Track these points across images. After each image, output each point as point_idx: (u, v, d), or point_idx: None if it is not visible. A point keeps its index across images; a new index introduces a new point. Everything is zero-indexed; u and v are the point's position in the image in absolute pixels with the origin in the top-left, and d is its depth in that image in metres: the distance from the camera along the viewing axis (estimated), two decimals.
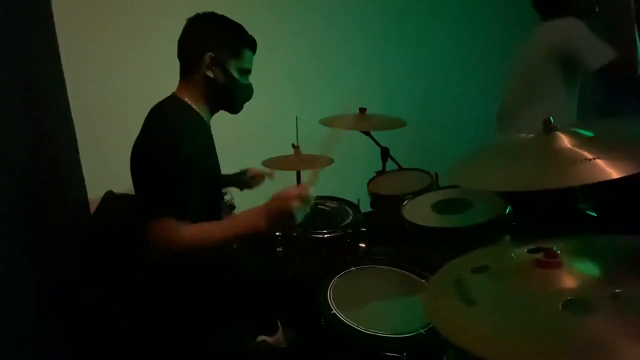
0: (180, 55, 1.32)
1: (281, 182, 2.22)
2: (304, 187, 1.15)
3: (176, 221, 1.11)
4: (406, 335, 1.07)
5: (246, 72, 1.36)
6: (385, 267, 1.42)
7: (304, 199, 1.14)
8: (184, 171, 1.15)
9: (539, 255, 0.71)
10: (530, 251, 0.78)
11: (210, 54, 1.26)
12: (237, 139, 2.39)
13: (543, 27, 1.89)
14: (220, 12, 1.33)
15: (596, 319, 0.60)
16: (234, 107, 1.39)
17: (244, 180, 1.78)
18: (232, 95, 1.35)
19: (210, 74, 1.27)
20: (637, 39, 1.70)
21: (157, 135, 1.21)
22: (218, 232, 1.16)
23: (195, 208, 1.17)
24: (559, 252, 0.71)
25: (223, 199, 1.51)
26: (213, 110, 1.37)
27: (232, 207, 2.04)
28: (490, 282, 0.77)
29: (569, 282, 0.68)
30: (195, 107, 1.30)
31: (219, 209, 1.43)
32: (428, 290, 0.83)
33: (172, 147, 1.15)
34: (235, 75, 1.31)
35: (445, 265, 0.86)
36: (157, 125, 1.23)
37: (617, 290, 0.62)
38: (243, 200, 2.09)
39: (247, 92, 1.39)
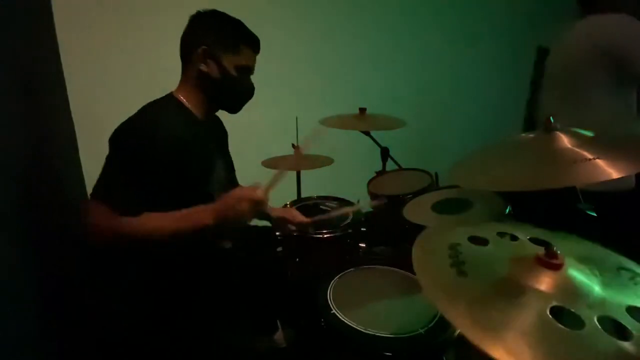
0: (180, 53, 1.32)
1: (281, 182, 2.22)
2: (255, 190, 1.15)
3: (108, 208, 1.11)
4: (406, 335, 1.07)
5: (245, 69, 1.32)
6: (385, 267, 1.42)
7: (254, 202, 1.13)
8: (135, 164, 1.14)
9: (540, 252, 0.70)
10: (531, 240, 0.77)
11: (203, 47, 1.25)
12: (237, 139, 2.38)
13: (587, 23, 1.66)
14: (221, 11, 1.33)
15: (581, 333, 0.59)
16: (232, 105, 1.37)
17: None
18: (227, 92, 1.32)
19: (204, 67, 1.26)
20: None
21: (125, 125, 1.20)
22: (156, 224, 1.14)
23: (139, 204, 1.14)
24: (559, 252, 0.70)
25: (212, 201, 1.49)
26: (210, 109, 1.36)
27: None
28: (485, 259, 0.76)
29: (563, 288, 0.66)
30: (188, 106, 1.29)
31: None
32: (421, 240, 0.81)
33: (132, 138, 1.16)
34: (232, 71, 1.29)
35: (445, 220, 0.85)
36: (132, 118, 1.22)
37: (609, 315, 0.61)
38: None
39: (245, 91, 1.35)
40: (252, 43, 1.32)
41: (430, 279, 0.71)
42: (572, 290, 0.66)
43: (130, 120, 1.20)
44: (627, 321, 0.61)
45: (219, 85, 1.29)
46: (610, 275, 0.72)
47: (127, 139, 1.17)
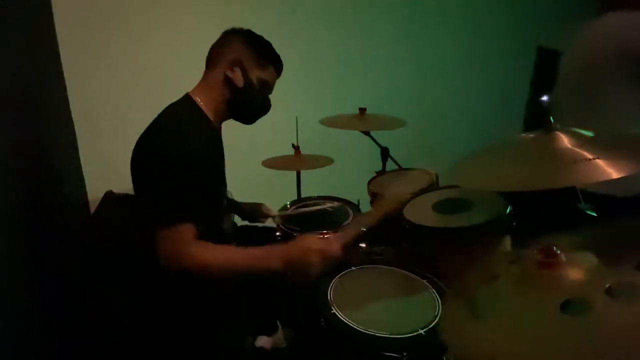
0: (207, 58, 1.35)
1: (281, 182, 2.24)
2: (333, 245, 1.17)
3: (191, 232, 1.12)
4: (406, 335, 1.07)
5: (267, 85, 1.37)
6: (385, 267, 1.42)
7: (327, 257, 1.16)
8: (188, 180, 1.16)
9: (540, 257, 0.71)
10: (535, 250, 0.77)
11: (234, 55, 1.30)
12: (237, 139, 2.38)
13: (604, 21, 1.59)
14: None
15: (594, 317, 0.59)
16: (248, 116, 1.41)
17: (252, 214, 1.79)
18: (247, 102, 1.36)
19: (230, 73, 1.29)
20: None
21: (158, 140, 1.21)
22: (233, 259, 1.18)
23: (202, 213, 1.18)
24: (558, 251, 0.70)
25: (224, 204, 1.50)
26: (224, 116, 1.38)
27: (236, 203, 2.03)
28: (498, 291, 0.76)
29: (569, 277, 0.67)
30: (205, 110, 1.30)
31: (219, 209, 1.43)
32: (446, 308, 0.84)
33: (181, 155, 1.16)
34: (255, 83, 1.33)
35: (461, 279, 0.86)
36: (160, 129, 1.23)
37: (611, 285, 0.62)
38: (244, 201, 2.09)
39: (263, 105, 1.41)
40: (278, 65, 1.38)
41: (456, 333, 0.74)
42: (578, 279, 0.67)
43: (172, 137, 1.20)
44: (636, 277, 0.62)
45: (240, 94, 1.32)
46: (615, 245, 0.73)
47: (180, 156, 1.16)
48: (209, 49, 1.36)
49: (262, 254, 1.20)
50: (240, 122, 1.42)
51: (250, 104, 1.38)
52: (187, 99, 1.31)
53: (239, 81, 1.31)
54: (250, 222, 1.82)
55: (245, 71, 1.31)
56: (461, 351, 0.67)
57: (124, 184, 1.28)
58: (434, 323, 1.09)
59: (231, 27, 1.36)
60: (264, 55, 1.35)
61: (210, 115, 1.32)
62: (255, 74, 1.33)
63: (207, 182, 1.24)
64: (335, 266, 1.40)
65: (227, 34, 1.35)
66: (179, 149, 1.16)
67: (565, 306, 0.62)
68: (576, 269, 0.68)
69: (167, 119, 1.26)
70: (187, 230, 1.12)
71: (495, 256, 0.91)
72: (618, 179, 1.16)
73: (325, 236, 1.23)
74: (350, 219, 1.78)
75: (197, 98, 1.31)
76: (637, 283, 0.61)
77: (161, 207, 1.16)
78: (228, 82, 1.30)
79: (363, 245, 1.72)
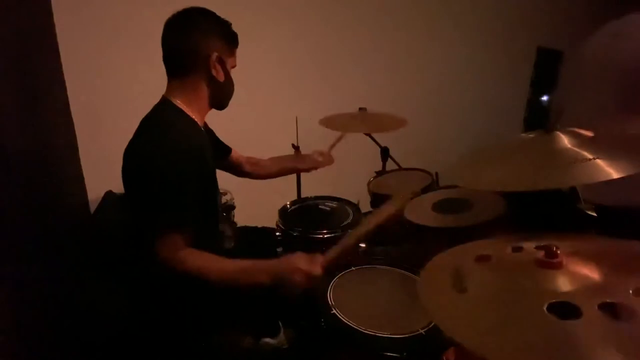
0: (175, 56, 1.26)
1: (281, 182, 2.24)
2: (315, 265, 1.16)
3: (181, 238, 1.13)
4: (406, 335, 1.07)
5: (234, 67, 1.36)
6: (385, 267, 1.42)
7: (310, 276, 1.15)
8: (182, 184, 1.14)
9: (540, 255, 0.70)
10: (538, 247, 0.77)
11: (216, 53, 1.24)
12: (237, 139, 2.38)
13: (629, 24, 1.52)
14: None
15: (579, 325, 0.59)
16: (225, 104, 1.39)
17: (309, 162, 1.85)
18: (227, 93, 1.35)
19: (214, 72, 1.26)
20: None
21: (152, 145, 1.18)
22: (224, 269, 1.17)
23: (195, 217, 1.17)
24: (559, 252, 0.69)
25: (219, 203, 1.50)
26: (205, 112, 1.36)
27: (232, 207, 2.04)
28: (487, 273, 0.76)
29: (565, 284, 0.66)
30: (187, 111, 1.27)
31: (215, 212, 1.43)
32: (426, 273, 0.82)
33: (170, 159, 1.14)
34: (230, 72, 1.32)
35: (448, 250, 0.86)
36: (152, 135, 1.21)
37: (609, 301, 0.61)
38: (243, 201, 2.09)
39: (233, 88, 1.39)
40: (238, 42, 1.34)
41: (433, 301, 0.73)
42: (573, 284, 0.66)
43: (159, 142, 1.17)
44: (632, 302, 0.61)
45: (223, 88, 1.31)
46: (619, 263, 0.71)
47: (169, 162, 1.14)
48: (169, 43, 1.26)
49: (250, 267, 1.20)
50: (218, 109, 1.39)
51: (229, 93, 1.36)
52: (168, 103, 1.26)
53: (221, 77, 1.28)
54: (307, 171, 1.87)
55: (224, 65, 1.28)
56: (438, 320, 0.66)
57: None
58: (434, 323, 1.09)
59: (185, 9, 1.25)
60: (233, 41, 1.31)
61: (195, 117, 1.29)
62: (230, 63, 1.31)
63: (204, 186, 1.23)
64: (335, 266, 1.40)
65: (187, 23, 1.24)
66: (174, 159, 1.14)
67: (552, 307, 0.62)
68: (574, 277, 0.67)
69: (160, 124, 1.22)
70: (180, 236, 1.13)
71: (496, 238, 0.89)
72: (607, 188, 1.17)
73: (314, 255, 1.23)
74: (350, 218, 1.78)
75: (178, 101, 1.26)
76: (633, 307, 0.60)
77: (152, 216, 1.16)
78: (212, 81, 1.27)
79: (363, 245, 1.72)
